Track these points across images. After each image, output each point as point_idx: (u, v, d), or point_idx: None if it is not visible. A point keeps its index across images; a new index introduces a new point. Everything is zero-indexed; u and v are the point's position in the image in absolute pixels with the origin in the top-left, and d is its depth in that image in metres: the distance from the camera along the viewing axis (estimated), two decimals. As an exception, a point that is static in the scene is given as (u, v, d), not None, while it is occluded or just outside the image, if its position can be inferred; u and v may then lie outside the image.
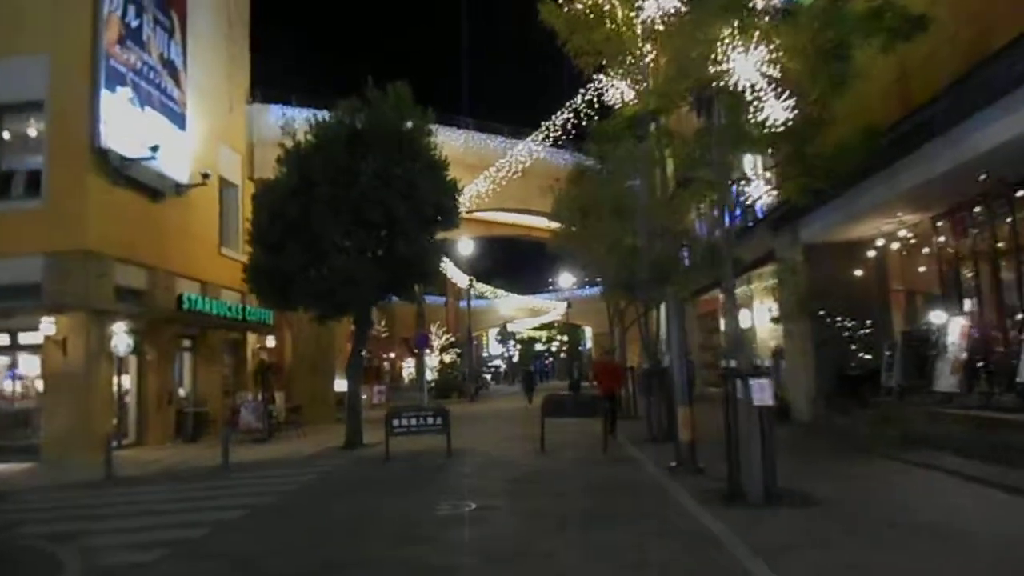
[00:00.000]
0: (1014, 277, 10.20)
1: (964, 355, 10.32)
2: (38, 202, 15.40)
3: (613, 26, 7.90)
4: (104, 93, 15.60)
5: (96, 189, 15.56)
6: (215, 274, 20.21)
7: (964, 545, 5.64)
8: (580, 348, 70.16)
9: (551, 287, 61.39)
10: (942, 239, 12.16)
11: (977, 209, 10.92)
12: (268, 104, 24.34)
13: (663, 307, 16.54)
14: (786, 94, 7.81)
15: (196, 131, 19.48)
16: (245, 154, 23.30)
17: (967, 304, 11.37)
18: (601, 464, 11.10)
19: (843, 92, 7.48)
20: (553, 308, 62.12)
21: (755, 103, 7.73)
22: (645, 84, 8.63)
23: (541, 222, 35.56)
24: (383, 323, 41.88)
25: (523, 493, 8.86)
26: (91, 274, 15.10)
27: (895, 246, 13.56)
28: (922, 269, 13.56)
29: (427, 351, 39.16)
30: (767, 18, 7.14)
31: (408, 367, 48.70)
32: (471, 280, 39.72)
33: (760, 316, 21.88)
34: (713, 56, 6.95)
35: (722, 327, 26.04)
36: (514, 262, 71.82)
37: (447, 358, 46.58)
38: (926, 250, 12.91)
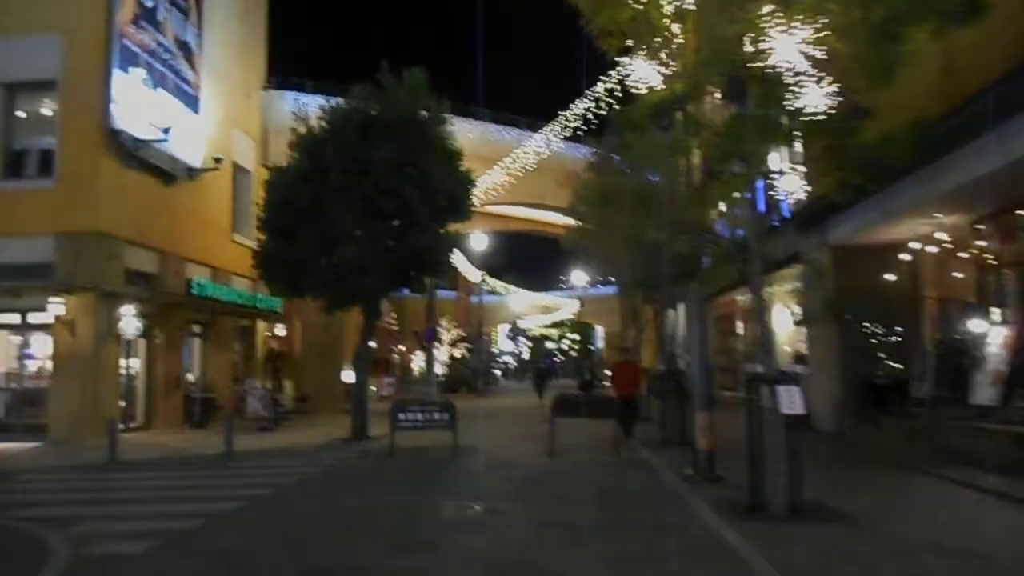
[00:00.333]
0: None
1: (1006, 367, 9.74)
2: (50, 182, 15.19)
3: (640, 5, 7.42)
4: (117, 73, 15.35)
5: (108, 170, 15.33)
6: (226, 260, 19.97)
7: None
8: (591, 347, 69.62)
9: (563, 285, 60.98)
10: (983, 243, 11.58)
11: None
12: (283, 91, 24.05)
13: (680, 308, 16.12)
14: (827, 81, 7.33)
15: (210, 115, 19.22)
16: (259, 140, 23.04)
17: (1008, 313, 10.78)
18: (613, 468, 10.66)
19: (891, 79, 6.96)
20: (565, 306, 61.65)
21: (794, 89, 7.24)
22: (673, 68, 8.15)
23: (556, 217, 35.13)
24: (394, 315, 41.66)
25: (531, 497, 8.43)
26: (102, 256, 14.89)
27: (930, 250, 12.97)
28: (958, 275, 12.97)
29: (437, 345, 38.89)
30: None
31: (418, 360, 48.40)
32: (483, 275, 39.30)
33: (779, 320, 21.34)
34: (751, 36, 6.47)
35: (739, 330, 25.56)
36: (527, 258, 71.50)
37: (457, 353, 46.29)
38: (963, 255, 12.33)
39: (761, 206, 8.20)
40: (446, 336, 45.19)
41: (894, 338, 13.50)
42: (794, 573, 5.05)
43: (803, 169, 8.51)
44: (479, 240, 34.44)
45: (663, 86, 8.47)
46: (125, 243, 15.58)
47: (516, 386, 49.77)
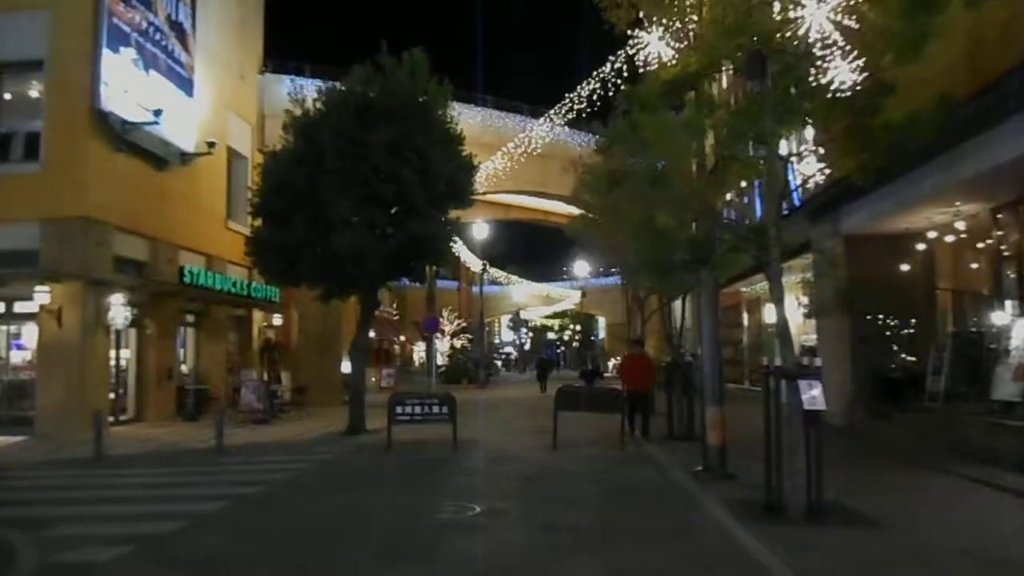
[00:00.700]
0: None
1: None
2: (36, 166, 14.70)
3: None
4: (106, 53, 14.82)
5: (96, 154, 14.84)
6: (221, 248, 19.51)
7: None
8: (593, 338, 69.23)
9: (566, 275, 60.52)
10: (1002, 233, 11.12)
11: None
12: (280, 75, 23.48)
13: (685, 298, 15.65)
14: (852, 56, 6.86)
15: (204, 98, 18.71)
16: (256, 125, 22.52)
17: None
18: (619, 464, 10.24)
19: (920, 53, 6.48)
20: (567, 296, 61.20)
21: (819, 64, 6.77)
22: (687, 42, 7.66)
23: (558, 207, 34.66)
24: (395, 305, 41.26)
25: (534, 496, 7.99)
26: (89, 242, 14.43)
27: (946, 239, 12.52)
28: (975, 265, 12.51)
29: (438, 336, 38.48)
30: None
31: (419, 351, 48.06)
32: (485, 264, 38.84)
33: (789, 311, 20.90)
34: (776, 5, 5.98)
35: (744, 322, 25.14)
36: (529, 248, 70.90)
37: (458, 343, 45.92)
38: (981, 245, 11.88)
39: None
40: (447, 327, 44.82)
41: (907, 330, 13.08)
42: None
43: (822, 151, 8.01)
44: (481, 229, 33.96)
45: (675, 62, 7.97)
46: (114, 229, 15.11)
47: (518, 377, 49.41)
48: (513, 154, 23.02)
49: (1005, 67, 8.63)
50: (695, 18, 7.43)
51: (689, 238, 7.02)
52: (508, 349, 76.67)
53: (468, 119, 23.18)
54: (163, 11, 17.06)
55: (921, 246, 13.06)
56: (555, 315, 73.38)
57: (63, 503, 7.82)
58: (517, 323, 70.81)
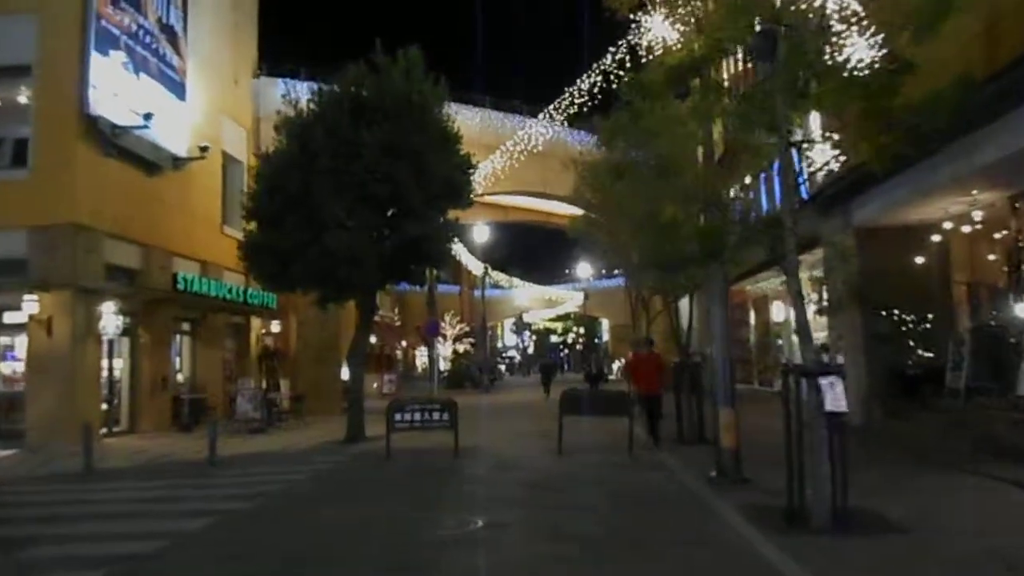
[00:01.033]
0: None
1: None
2: (24, 172, 14.35)
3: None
4: (94, 56, 14.48)
5: (85, 159, 14.49)
6: (217, 254, 19.12)
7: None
8: (597, 340, 68.73)
9: (568, 277, 60.09)
10: (1021, 222, 10.69)
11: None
12: (275, 78, 23.14)
13: (692, 297, 15.23)
14: (869, 32, 6.46)
15: (197, 103, 18.37)
16: (251, 129, 22.17)
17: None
18: (628, 469, 9.81)
19: (940, 27, 6.08)
20: (570, 299, 60.74)
21: (834, 42, 6.37)
22: (692, 24, 7.27)
23: (559, 208, 34.26)
24: (396, 311, 40.89)
25: (540, 505, 7.56)
26: (79, 249, 14.05)
27: (962, 230, 12.09)
28: (992, 257, 12.08)
29: (440, 340, 38.06)
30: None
31: (422, 356, 47.67)
32: (486, 268, 38.44)
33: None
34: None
35: (751, 321, 24.68)
36: (530, 250, 70.29)
37: (461, 348, 45.53)
38: (998, 235, 11.45)
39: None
40: (449, 331, 44.44)
41: (923, 325, 12.64)
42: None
43: (836, 137, 7.60)
44: (481, 232, 33.60)
45: (680, 46, 7.57)
46: (105, 236, 14.74)
47: (521, 381, 48.98)
48: (512, 152, 22.58)
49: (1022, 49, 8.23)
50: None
51: (698, 230, 6.62)
52: (511, 353, 76.18)
53: (467, 120, 22.81)
54: (153, 14, 16.73)
55: (936, 238, 12.62)
56: (558, 318, 72.91)
57: (43, 521, 7.41)
58: (520, 327, 70.40)
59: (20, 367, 14.44)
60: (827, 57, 6.51)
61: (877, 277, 12.10)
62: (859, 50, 6.63)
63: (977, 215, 11.54)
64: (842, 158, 8.37)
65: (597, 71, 14.61)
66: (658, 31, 7.42)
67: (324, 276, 13.25)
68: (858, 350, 12.85)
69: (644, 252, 9.44)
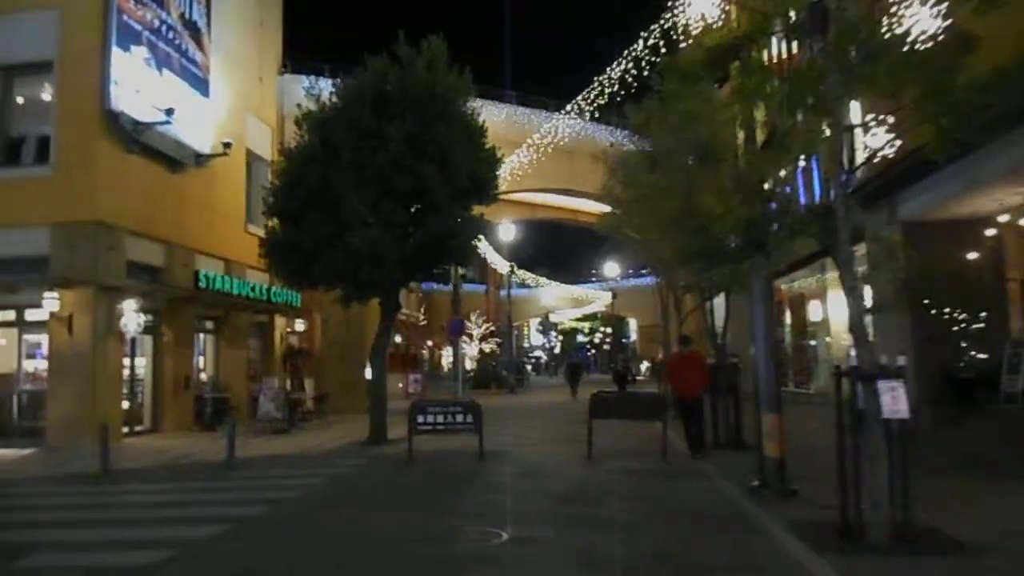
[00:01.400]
0: None
1: None
2: (47, 169, 14.25)
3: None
4: (116, 52, 14.32)
5: (107, 155, 14.34)
6: (241, 252, 18.92)
7: None
8: (624, 340, 67.90)
9: (595, 276, 59.40)
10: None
11: None
12: (301, 75, 22.93)
13: (729, 295, 14.60)
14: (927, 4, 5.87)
15: (221, 99, 18.20)
16: (276, 127, 21.99)
17: None
18: (663, 478, 9.26)
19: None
20: (597, 298, 60.05)
21: (891, 14, 5.80)
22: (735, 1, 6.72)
23: (587, 205, 33.72)
24: (422, 310, 40.65)
25: (570, 519, 7.05)
26: (100, 247, 13.90)
27: (1019, 223, 11.31)
28: (1053, 252, 11.29)
29: (466, 340, 37.69)
30: None
31: (448, 356, 47.41)
32: (512, 266, 37.98)
33: (835, 309, 19.67)
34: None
35: (787, 320, 23.88)
36: (557, 249, 69.53)
37: (487, 348, 45.17)
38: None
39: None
40: (475, 331, 44.11)
41: (976, 325, 11.87)
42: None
43: (891, 120, 6.99)
44: (507, 230, 33.15)
45: (720, 25, 7.02)
46: (127, 233, 14.58)
47: (548, 382, 48.42)
48: (540, 146, 22.00)
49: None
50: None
51: (744, 219, 6.08)
52: (537, 353, 75.66)
53: (492, 116, 22.37)
54: (176, 10, 16.57)
55: (990, 232, 11.85)
56: (585, 317, 72.23)
57: (49, 526, 7.14)
58: (546, 326, 69.86)
59: (43, 365, 14.37)
60: (884, 31, 5.93)
61: (926, 274, 11.39)
62: (917, 23, 6.06)
63: (1034, 207, 10.78)
64: (888, 147, 7.79)
65: (628, 58, 13.98)
66: (698, 7, 6.87)
67: (346, 274, 12.90)
68: (906, 352, 12.10)
69: (680, 247, 8.87)
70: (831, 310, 19.87)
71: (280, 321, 21.57)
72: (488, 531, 6.32)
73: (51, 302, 13.33)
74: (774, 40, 7.73)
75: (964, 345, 11.83)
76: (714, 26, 6.99)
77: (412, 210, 13.38)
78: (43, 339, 14.32)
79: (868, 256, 12.38)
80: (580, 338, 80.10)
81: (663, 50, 11.78)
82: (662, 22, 12.37)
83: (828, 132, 6.37)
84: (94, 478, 9.99)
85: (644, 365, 45.90)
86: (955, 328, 11.83)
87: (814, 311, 21.10)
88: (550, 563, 5.59)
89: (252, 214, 19.86)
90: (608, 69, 15.77)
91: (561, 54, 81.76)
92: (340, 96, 13.60)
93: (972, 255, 12.14)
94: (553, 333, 74.97)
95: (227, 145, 17.13)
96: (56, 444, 13.06)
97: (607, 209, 20.42)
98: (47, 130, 14.48)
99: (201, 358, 18.09)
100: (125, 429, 14.65)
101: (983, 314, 11.80)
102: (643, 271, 43.04)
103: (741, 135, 7.03)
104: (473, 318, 44.35)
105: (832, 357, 20.22)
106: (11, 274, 13.73)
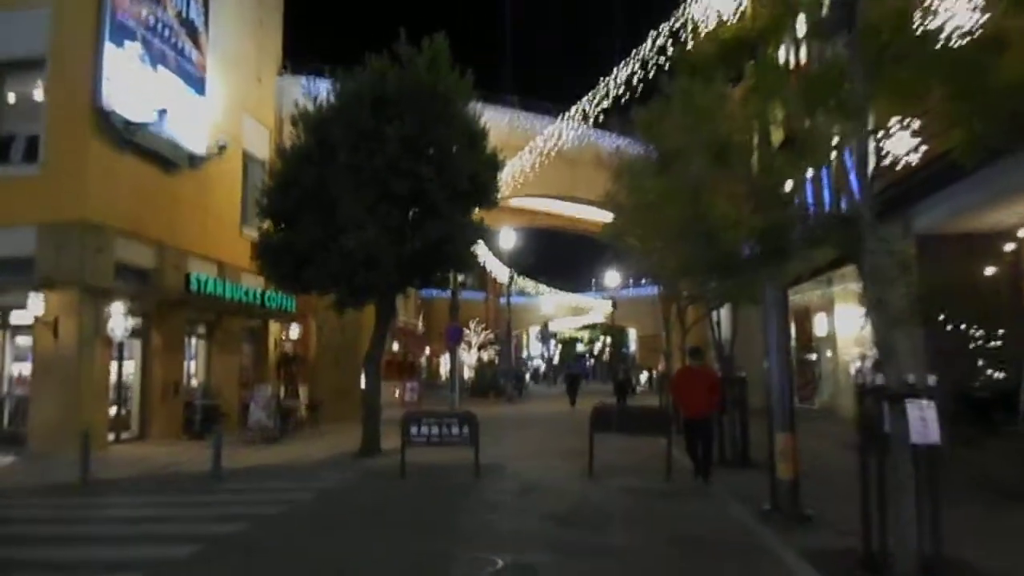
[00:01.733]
0: None
1: None
2: (35, 168, 13.85)
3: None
4: (108, 47, 13.95)
5: (97, 154, 13.94)
6: (235, 255, 18.47)
7: None
8: (624, 350, 67.44)
9: (595, 286, 59.05)
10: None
11: None
12: (300, 76, 22.59)
13: (733, 308, 14.18)
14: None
15: (218, 100, 17.83)
16: (274, 129, 21.61)
17: None
18: (668, 499, 8.79)
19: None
20: (597, 307, 59.65)
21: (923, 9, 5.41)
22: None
23: (588, 213, 33.32)
24: (421, 317, 40.24)
25: (570, 543, 6.59)
26: (88, 248, 13.48)
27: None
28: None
29: (464, 348, 37.23)
30: None
31: (446, 364, 46.97)
32: (512, 274, 37.57)
33: (843, 323, 19.27)
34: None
35: (792, 334, 23.47)
36: (558, 257, 69.19)
37: (485, 356, 44.73)
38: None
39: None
40: (474, 339, 43.67)
41: (993, 342, 11.44)
42: None
43: (917, 124, 6.60)
44: (507, 237, 32.77)
45: (735, 19, 6.62)
46: (116, 234, 14.15)
47: (547, 391, 47.89)
48: (542, 150, 21.59)
49: None
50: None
51: (765, 225, 5.68)
52: (536, 362, 75.17)
53: (495, 121, 22.02)
54: (172, 7, 16.21)
55: (1008, 246, 11.44)
56: (584, 327, 71.81)
57: (16, 543, 6.68)
58: (545, 335, 69.43)
59: (26, 369, 13.92)
60: (915, 27, 5.54)
61: (941, 289, 10.98)
62: (951, 19, 5.68)
63: (1058, 220, 10.38)
64: (911, 154, 7.39)
65: (635, 59, 13.62)
66: (712, 1, 6.47)
67: (340, 277, 12.47)
68: (919, 370, 11.67)
69: (688, 255, 8.45)
70: (837, 324, 19.46)
71: (275, 327, 21.12)
72: (481, 558, 5.85)
73: (36, 304, 12.89)
74: (790, 40, 7.34)
75: (980, 363, 11.42)
76: (729, 22, 6.58)
77: (410, 214, 12.98)
78: (26, 342, 13.91)
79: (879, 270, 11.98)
80: (579, 348, 79.65)
81: (671, 51, 11.43)
82: (672, 20, 11.96)
83: (852, 134, 5.98)
84: (74, 489, 9.53)
85: (644, 376, 45.41)
86: (971, 346, 11.42)
87: (819, 325, 20.70)
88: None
89: (247, 217, 19.42)
90: (615, 70, 15.39)
91: (565, 59, 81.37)
92: (338, 96, 13.22)
93: (989, 270, 11.75)
94: (552, 342, 74.53)
95: (222, 147, 16.74)
96: (39, 452, 12.60)
97: (609, 217, 20.05)
98: (37, 128, 14.09)
99: (192, 364, 17.63)
100: (112, 436, 14.20)
101: (1000, 331, 11.40)
102: (643, 281, 42.71)
103: (756, 136, 6.65)
104: (472, 326, 43.91)
105: (838, 372, 19.81)
106: (-2, 275, 13.32)
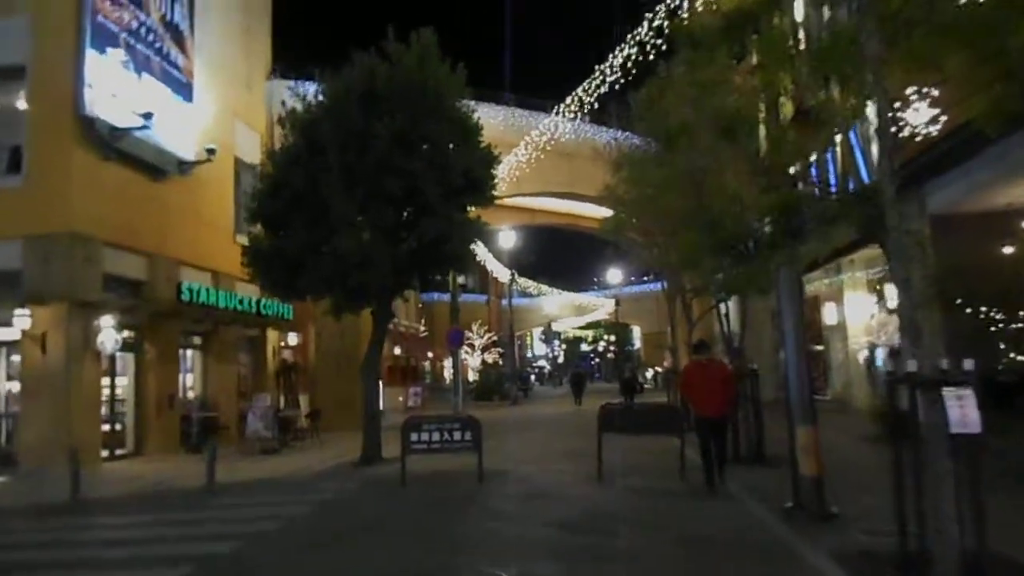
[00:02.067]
0: None
1: None
2: (18, 179, 13.48)
3: None
4: (90, 54, 13.57)
5: (82, 163, 13.56)
6: (229, 263, 18.05)
7: None
8: (628, 348, 67.01)
9: (597, 284, 58.60)
10: None
11: None
12: (290, 80, 22.21)
13: (742, 299, 13.77)
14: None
15: (207, 105, 17.46)
16: (265, 133, 21.22)
17: None
18: (684, 499, 8.36)
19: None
20: (600, 306, 59.22)
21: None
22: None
23: (588, 210, 32.93)
24: (423, 321, 39.81)
25: (581, 552, 6.16)
26: (76, 260, 13.09)
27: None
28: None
29: (467, 351, 36.81)
30: None
31: (450, 368, 46.62)
32: (513, 274, 37.14)
33: (853, 312, 18.86)
34: None
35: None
36: (559, 256, 68.83)
37: (489, 358, 44.33)
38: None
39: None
40: (477, 341, 43.29)
41: (1016, 324, 11.02)
42: None
43: (935, 93, 6.20)
44: (507, 237, 32.36)
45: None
46: (104, 245, 13.76)
47: (551, 392, 47.46)
48: (539, 145, 21.15)
49: None
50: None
51: (778, 203, 5.26)
52: (541, 362, 74.74)
53: (490, 118, 21.62)
54: (156, 12, 15.83)
55: (1025, 224, 11.03)
56: (588, 326, 71.35)
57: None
58: (549, 335, 69.03)
59: (15, 387, 13.53)
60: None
61: (958, 270, 10.56)
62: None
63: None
64: (928, 126, 6.97)
65: (631, 42, 13.17)
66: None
67: (334, 281, 12.06)
68: (937, 355, 11.24)
69: (693, 244, 8.02)
70: (848, 312, 19.04)
71: (272, 335, 20.71)
72: (486, 572, 5.43)
73: (22, 320, 12.51)
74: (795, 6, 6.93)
75: (1003, 347, 11.00)
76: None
77: (404, 213, 12.59)
78: (14, 359, 13.53)
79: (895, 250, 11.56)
80: (583, 347, 79.23)
81: (669, 28, 11.01)
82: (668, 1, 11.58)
83: (871, 103, 5.57)
84: (62, 509, 9.13)
85: (650, 373, 45.00)
86: (992, 328, 10.99)
87: (829, 314, 20.28)
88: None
89: (241, 224, 19.04)
90: (610, 55, 14.90)
91: (565, 58, 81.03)
92: (326, 94, 12.83)
93: (1008, 249, 11.33)
94: (556, 342, 74.12)
95: (211, 151, 16.34)
96: (30, 470, 12.20)
97: (608, 213, 19.62)
98: (18, 138, 13.71)
99: (188, 376, 17.23)
100: (105, 453, 13.80)
101: (1022, 313, 10.97)
102: (646, 277, 42.25)
103: (763, 111, 6.25)
104: (475, 328, 43.52)
105: (849, 362, 19.38)
106: (-18, 291, 12.94)
